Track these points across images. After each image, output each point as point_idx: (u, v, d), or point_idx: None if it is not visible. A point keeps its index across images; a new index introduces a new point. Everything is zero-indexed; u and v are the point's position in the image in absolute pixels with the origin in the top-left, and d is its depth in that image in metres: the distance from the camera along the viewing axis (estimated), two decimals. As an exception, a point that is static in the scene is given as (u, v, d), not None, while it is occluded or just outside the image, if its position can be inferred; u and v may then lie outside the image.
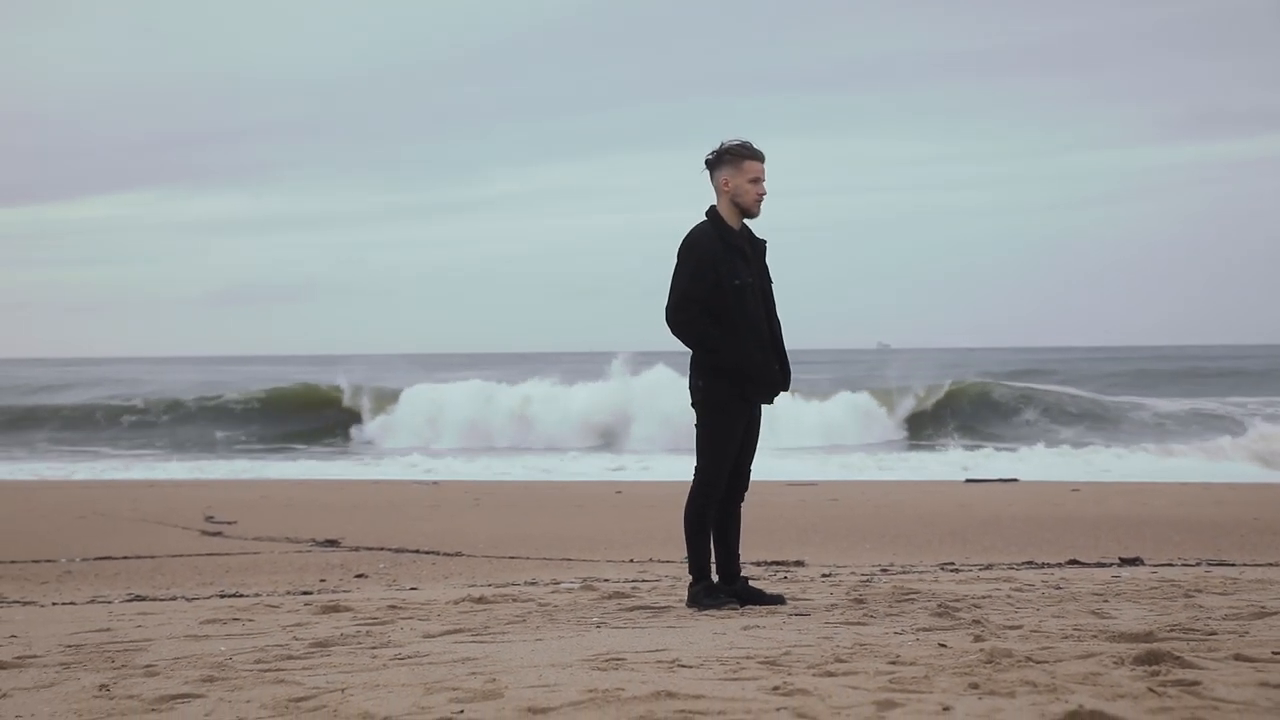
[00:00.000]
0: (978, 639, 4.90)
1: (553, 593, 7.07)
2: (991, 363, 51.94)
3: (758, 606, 6.19)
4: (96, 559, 10.20)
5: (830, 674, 4.23)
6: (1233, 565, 8.46)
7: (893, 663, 4.41)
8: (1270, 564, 8.60)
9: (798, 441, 25.90)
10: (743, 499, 6.44)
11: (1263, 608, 5.77)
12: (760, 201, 6.28)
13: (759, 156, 6.27)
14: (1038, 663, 4.32)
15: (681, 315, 6.20)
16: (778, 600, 6.31)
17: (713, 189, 6.33)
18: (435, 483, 18.53)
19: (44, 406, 37.60)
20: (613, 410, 30.29)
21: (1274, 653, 4.45)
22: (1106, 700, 3.69)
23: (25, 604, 7.55)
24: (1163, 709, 3.60)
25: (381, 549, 10.59)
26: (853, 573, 8.18)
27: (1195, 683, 3.91)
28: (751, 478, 6.46)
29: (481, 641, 5.26)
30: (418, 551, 10.40)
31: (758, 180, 6.26)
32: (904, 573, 8.12)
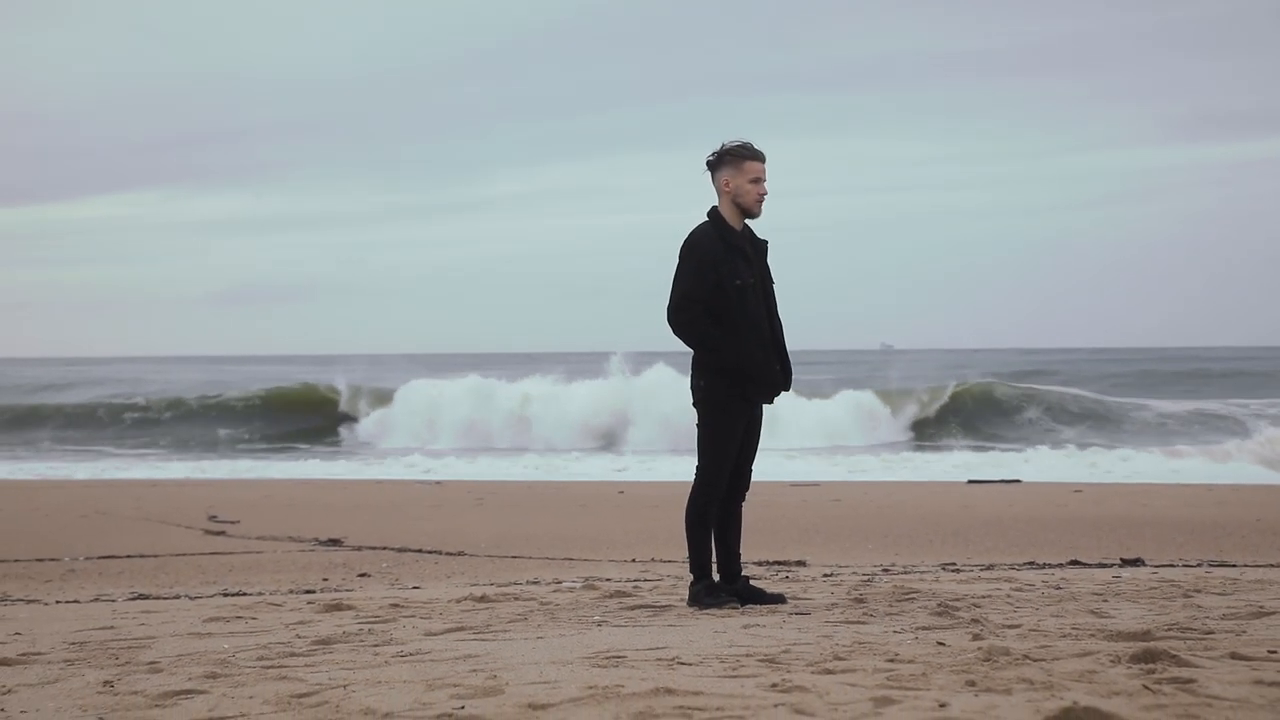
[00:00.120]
0: (976, 637, 4.93)
1: (555, 592, 7.10)
2: (995, 364, 51.92)
3: (758, 605, 6.22)
4: (100, 558, 10.23)
5: (829, 671, 4.26)
6: (1234, 566, 8.48)
7: (891, 661, 4.44)
8: (1271, 565, 8.61)
9: (803, 442, 25.92)
10: (744, 498, 6.47)
11: (1261, 607, 5.79)
12: (761, 202, 6.31)
13: (759, 157, 6.30)
14: (1035, 661, 4.34)
15: (683, 315, 6.23)
16: (778, 599, 6.33)
17: (714, 190, 6.36)
18: (438, 482, 18.56)
19: (46, 405, 37.65)
20: (613, 410, 30.28)
21: (1270, 651, 4.47)
22: (1101, 697, 3.72)
23: (29, 602, 7.59)
24: (1157, 705, 3.63)
25: (384, 548, 10.62)
26: (854, 573, 8.20)
27: (1190, 680, 3.94)
28: (753, 477, 6.49)
29: (483, 639, 5.29)
30: (420, 551, 10.43)
31: (758, 180, 6.29)
32: (905, 573, 8.15)
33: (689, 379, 6.36)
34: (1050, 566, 8.55)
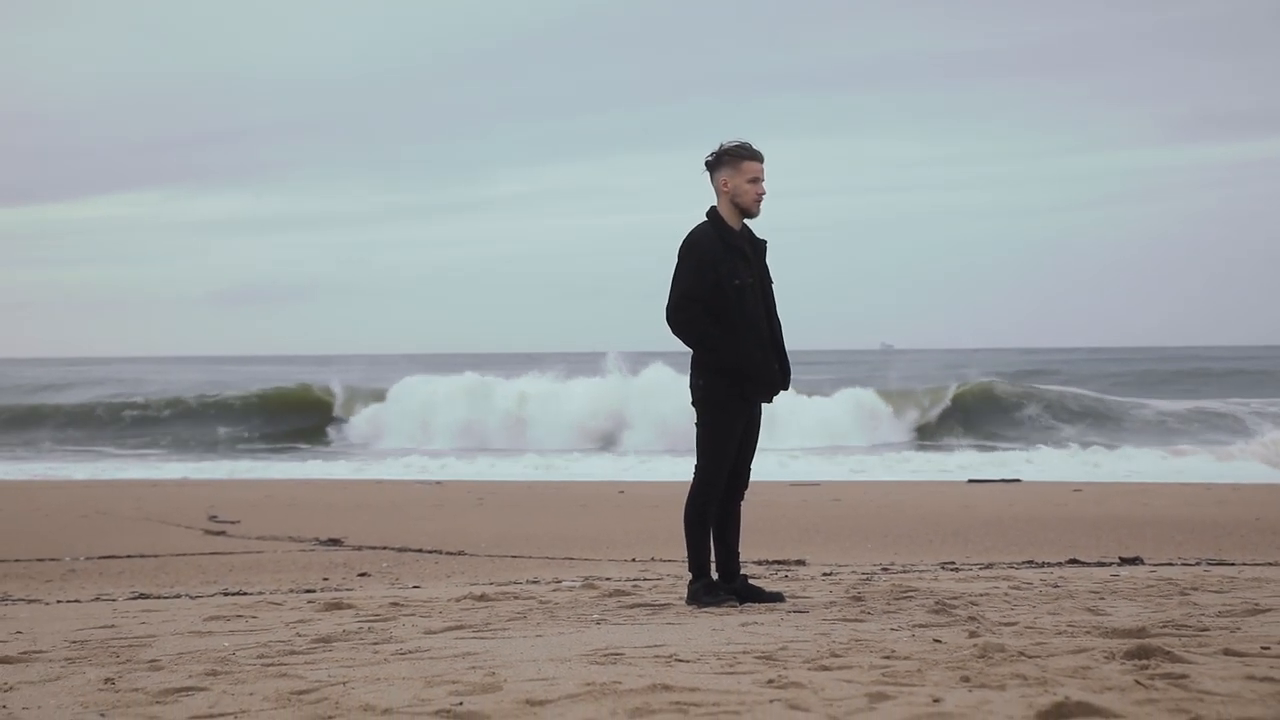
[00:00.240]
0: (972, 635, 4.96)
1: (554, 590, 7.13)
2: (995, 363, 51.87)
3: (756, 604, 6.25)
4: (100, 558, 10.26)
5: (825, 668, 4.29)
6: (1232, 564, 8.50)
7: (887, 657, 4.47)
8: (1269, 563, 8.64)
9: (803, 442, 25.94)
10: (742, 497, 6.49)
11: (1257, 605, 5.82)
12: (759, 201, 6.34)
13: (758, 157, 6.32)
14: (1030, 657, 4.37)
15: (682, 315, 6.26)
16: (777, 598, 6.36)
17: (713, 190, 6.39)
18: (438, 483, 18.59)
19: (46, 405, 37.65)
20: (609, 410, 30.27)
21: (1263, 648, 4.50)
22: (1094, 692, 3.74)
23: (30, 601, 7.62)
24: (1149, 700, 3.65)
25: (384, 548, 10.65)
26: (853, 572, 8.23)
27: (1183, 676, 3.96)
28: (753, 477, 6.52)
29: (482, 637, 5.32)
30: (420, 550, 10.46)
31: (757, 180, 6.31)
32: (904, 572, 8.18)
33: (688, 378, 6.39)
34: (1049, 565, 8.57)
